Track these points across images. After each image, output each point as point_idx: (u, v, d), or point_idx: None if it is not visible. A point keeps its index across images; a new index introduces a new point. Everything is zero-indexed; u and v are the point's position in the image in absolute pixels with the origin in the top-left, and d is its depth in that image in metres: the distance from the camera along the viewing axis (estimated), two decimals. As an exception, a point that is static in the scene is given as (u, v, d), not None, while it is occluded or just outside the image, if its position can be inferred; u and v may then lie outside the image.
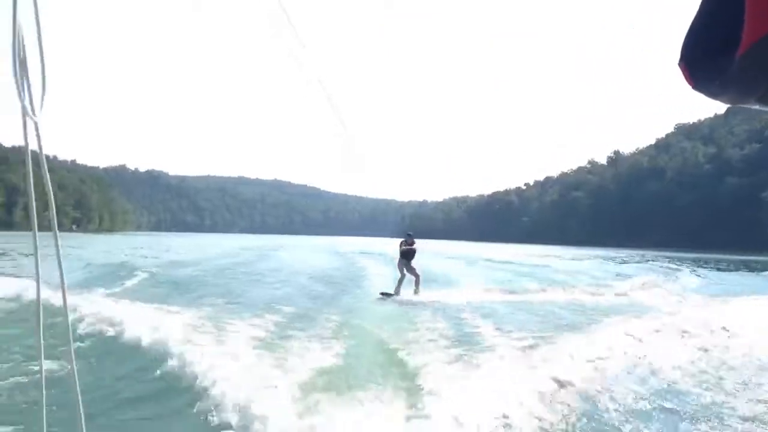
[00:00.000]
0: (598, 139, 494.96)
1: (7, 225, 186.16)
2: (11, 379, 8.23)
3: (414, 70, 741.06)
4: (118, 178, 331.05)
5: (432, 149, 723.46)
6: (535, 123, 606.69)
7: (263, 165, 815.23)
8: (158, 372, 8.57)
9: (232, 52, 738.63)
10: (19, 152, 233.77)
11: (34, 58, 1.51)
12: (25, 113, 1.52)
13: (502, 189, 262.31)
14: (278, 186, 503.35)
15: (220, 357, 8.85)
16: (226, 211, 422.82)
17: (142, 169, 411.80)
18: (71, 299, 12.78)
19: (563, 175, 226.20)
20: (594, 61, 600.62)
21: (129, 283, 20.91)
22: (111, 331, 11.20)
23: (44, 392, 1.91)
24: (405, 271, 19.57)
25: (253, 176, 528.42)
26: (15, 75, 1.48)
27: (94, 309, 13.18)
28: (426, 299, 17.95)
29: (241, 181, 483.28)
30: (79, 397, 1.87)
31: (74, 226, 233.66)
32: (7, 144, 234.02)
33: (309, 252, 55.44)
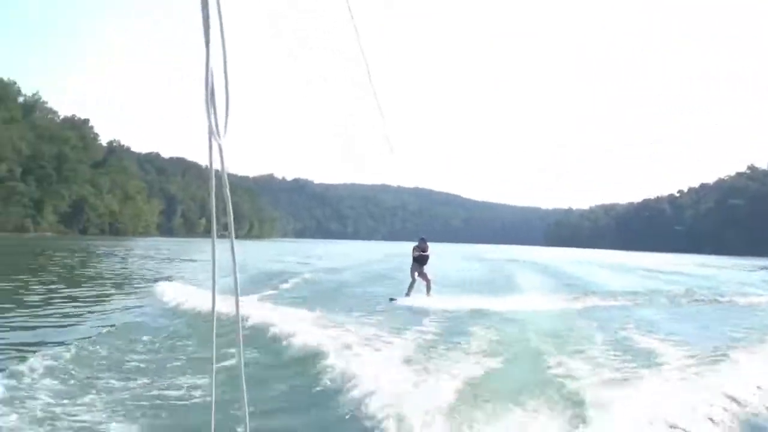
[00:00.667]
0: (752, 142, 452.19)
1: (168, 231, 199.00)
2: (183, 379, 8.63)
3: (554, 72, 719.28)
4: (266, 186, 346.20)
5: (578, 156, 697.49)
6: (687, 126, 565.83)
7: (405, 173, 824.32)
8: (315, 377, 8.57)
9: (372, 61, 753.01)
10: (177, 164, 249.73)
11: (218, 84, 1.64)
12: (211, 135, 1.65)
13: (652, 196, 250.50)
14: (419, 194, 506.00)
15: (377, 364, 8.79)
16: (369, 218, 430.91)
17: (288, 178, 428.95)
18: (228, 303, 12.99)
19: (720, 181, 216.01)
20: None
21: (284, 287, 22.32)
22: (267, 335, 11.43)
23: (213, 390, 2.13)
24: (417, 275, 19.90)
25: (395, 184, 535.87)
26: (206, 102, 1.62)
27: (251, 312, 13.53)
28: (584, 307, 17.97)
29: (383, 189, 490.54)
30: (245, 395, 2.01)
31: (225, 233, 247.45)
32: (166, 155, 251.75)
33: (457, 259, 56.70)
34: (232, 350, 9.68)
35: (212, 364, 2.02)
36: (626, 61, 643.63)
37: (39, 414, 6.75)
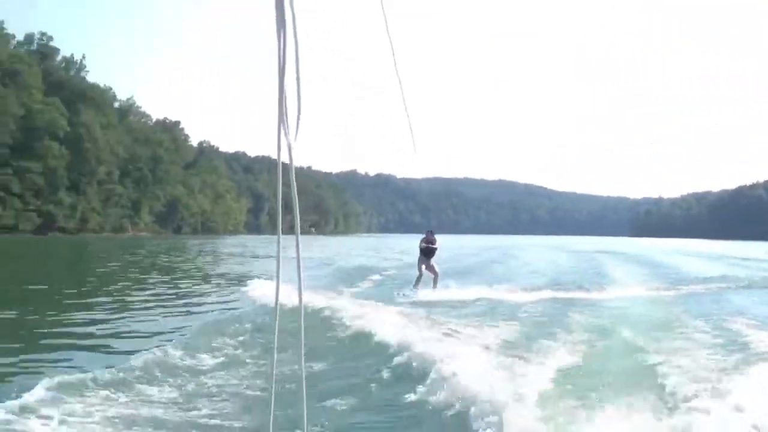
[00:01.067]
0: None
1: (255, 229, 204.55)
2: (244, 370, 9.03)
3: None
4: (349, 182, 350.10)
5: (667, 142, 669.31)
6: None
7: (488, 165, 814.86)
8: (396, 370, 8.40)
9: (458, 57, 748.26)
10: (262, 162, 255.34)
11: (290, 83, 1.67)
12: (280, 135, 1.69)
13: (747, 183, 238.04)
14: (503, 186, 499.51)
15: (464, 357, 8.47)
16: (452, 211, 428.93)
17: (371, 173, 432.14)
18: (316, 298, 14.67)
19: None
20: None
21: (367, 283, 22.17)
22: (352, 329, 11.34)
23: (273, 385, 2.17)
24: (424, 269, 19.58)
25: (477, 177, 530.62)
26: (280, 103, 1.66)
27: (338, 305, 13.75)
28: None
29: (466, 182, 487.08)
30: (304, 391, 2.06)
31: (312, 229, 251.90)
32: (251, 154, 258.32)
33: (547, 251, 56.73)
34: (318, 346, 10.05)
35: (273, 358, 2.04)
36: (709, 48, 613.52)
37: (148, 402, 7.22)
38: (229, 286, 22.99)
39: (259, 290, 17.91)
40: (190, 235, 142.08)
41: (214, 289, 21.56)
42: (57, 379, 7.66)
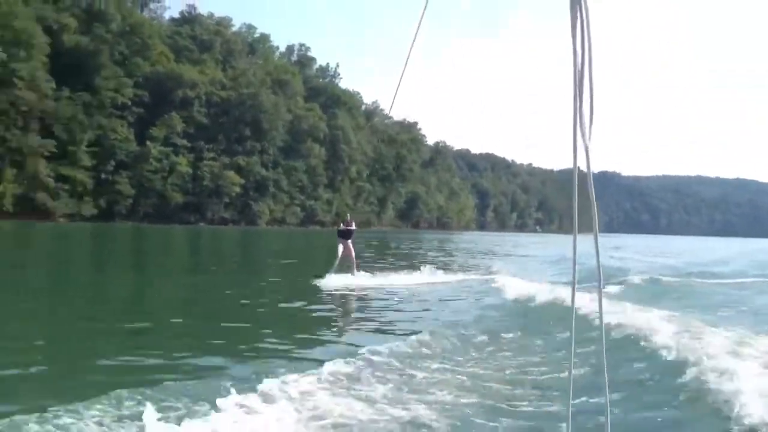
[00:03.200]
0: None
1: (481, 225, 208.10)
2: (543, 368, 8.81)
3: None
4: (570, 179, 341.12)
5: None
6: None
7: (724, 163, 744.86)
8: (676, 378, 7.66)
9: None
10: (486, 159, 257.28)
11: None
12: (576, 137, 1.70)
13: None
14: (742, 185, 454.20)
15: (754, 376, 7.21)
16: (683, 211, 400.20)
17: (595, 170, 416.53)
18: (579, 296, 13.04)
19: None
20: None
21: (621, 287, 20.24)
22: (623, 334, 10.51)
23: (571, 384, 2.03)
24: (342, 251, 19.78)
25: (712, 175, 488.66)
26: (575, 105, 1.68)
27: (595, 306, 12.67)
28: None
29: (699, 180, 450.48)
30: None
31: (537, 227, 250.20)
32: (475, 151, 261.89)
33: None
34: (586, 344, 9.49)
35: (570, 354, 2.14)
36: None
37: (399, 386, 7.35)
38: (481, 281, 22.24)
39: (509, 286, 17.88)
40: (426, 229, 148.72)
41: (463, 285, 21.03)
42: (331, 363, 8.01)
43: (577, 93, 1.70)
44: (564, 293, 14.18)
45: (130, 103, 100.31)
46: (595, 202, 1.80)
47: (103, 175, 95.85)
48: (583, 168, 1.78)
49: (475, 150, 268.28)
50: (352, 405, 6.57)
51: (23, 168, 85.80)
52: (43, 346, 9.51)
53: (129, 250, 40.58)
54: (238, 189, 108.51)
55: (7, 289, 16.05)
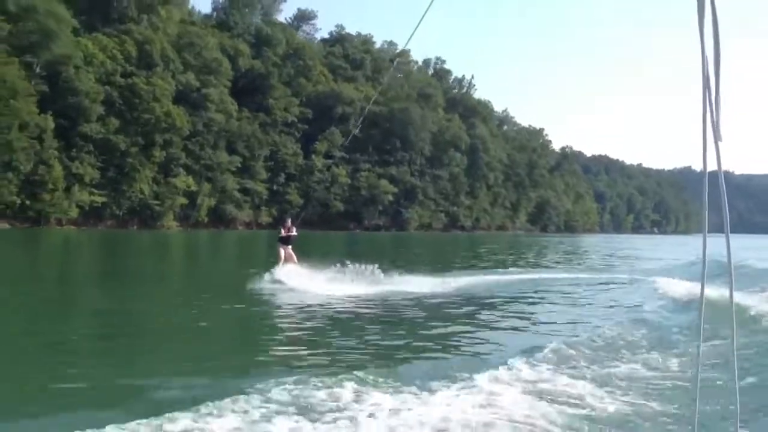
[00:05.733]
0: None
1: (599, 227, 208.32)
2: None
3: None
4: (683, 179, 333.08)
5: None
6: None
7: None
8: None
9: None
10: (599, 161, 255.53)
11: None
12: (706, 136, 1.79)
13: None
14: None
15: None
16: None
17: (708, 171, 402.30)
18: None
19: None
20: None
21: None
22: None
23: (698, 382, 2.19)
24: (283, 254, 19.85)
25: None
26: (704, 104, 1.78)
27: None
28: None
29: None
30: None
31: (655, 229, 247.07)
32: (588, 153, 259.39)
33: None
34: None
35: (698, 348, 2.21)
36: None
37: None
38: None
39: (669, 288, 17.86)
40: (555, 233, 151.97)
41: (618, 288, 21.75)
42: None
43: (707, 90, 1.74)
44: (727, 294, 14.89)
45: (296, 120, 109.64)
46: (726, 202, 1.90)
47: (275, 187, 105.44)
48: (712, 168, 1.86)
49: (588, 152, 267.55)
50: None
51: (215, 182, 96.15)
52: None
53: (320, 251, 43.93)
54: (390, 197, 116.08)
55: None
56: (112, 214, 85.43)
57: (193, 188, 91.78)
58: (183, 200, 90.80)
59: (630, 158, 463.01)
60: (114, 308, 14.42)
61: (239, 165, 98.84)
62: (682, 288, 17.16)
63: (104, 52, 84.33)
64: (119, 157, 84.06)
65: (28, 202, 74.22)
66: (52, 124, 75.70)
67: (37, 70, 78.07)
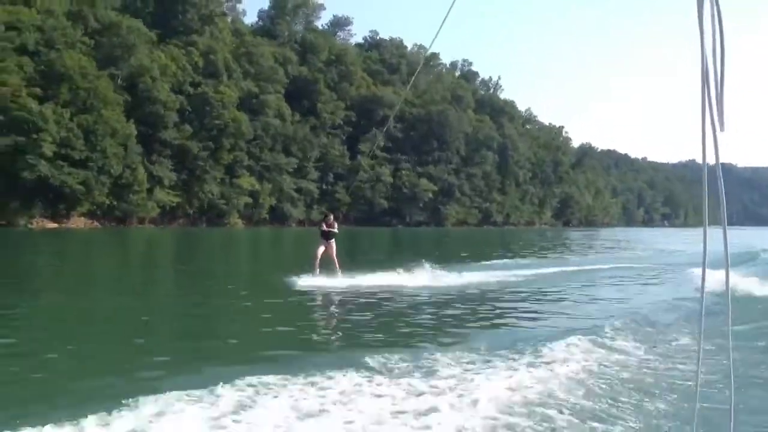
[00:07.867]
0: None
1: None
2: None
3: None
4: (688, 172, 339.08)
5: None
6: None
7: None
8: None
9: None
10: (608, 156, 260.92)
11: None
12: (705, 128, 1.77)
13: None
14: None
15: None
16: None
17: (710, 162, 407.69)
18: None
19: None
20: None
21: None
22: None
23: (699, 373, 2.20)
24: (322, 252, 19.45)
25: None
26: (703, 94, 1.76)
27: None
28: None
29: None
30: (732, 388, 2.14)
31: (665, 222, 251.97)
32: (599, 147, 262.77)
33: None
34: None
35: (699, 343, 2.09)
36: None
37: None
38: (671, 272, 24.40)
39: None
40: (577, 227, 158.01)
41: (653, 280, 22.44)
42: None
43: (705, 82, 1.69)
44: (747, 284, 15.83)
45: (342, 122, 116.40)
46: (724, 193, 1.85)
47: (324, 186, 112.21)
48: (710, 160, 1.82)
49: (599, 147, 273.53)
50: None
51: (274, 182, 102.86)
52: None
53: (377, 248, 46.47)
54: (430, 194, 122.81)
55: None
56: (185, 212, 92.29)
57: (256, 188, 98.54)
58: (247, 199, 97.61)
59: (634, 152, 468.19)
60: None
61: (295, 166, 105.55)
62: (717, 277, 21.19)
63: (176, 62, 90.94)
64: (191, 161, 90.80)
65: (115, 203, 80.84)
66: (135, 131, 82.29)
67: (119, 81, 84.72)
